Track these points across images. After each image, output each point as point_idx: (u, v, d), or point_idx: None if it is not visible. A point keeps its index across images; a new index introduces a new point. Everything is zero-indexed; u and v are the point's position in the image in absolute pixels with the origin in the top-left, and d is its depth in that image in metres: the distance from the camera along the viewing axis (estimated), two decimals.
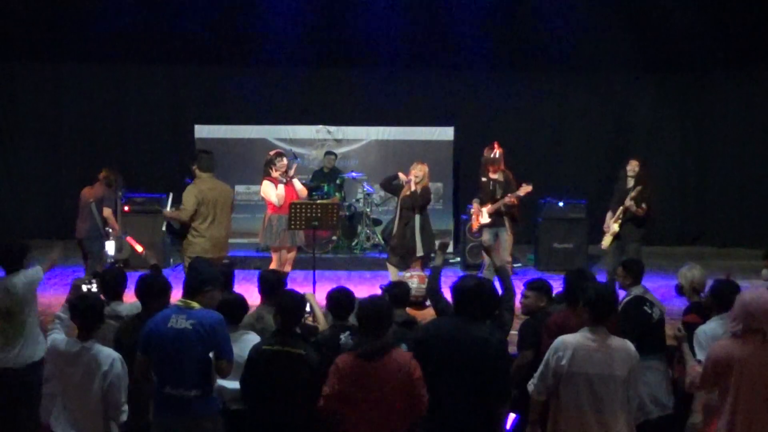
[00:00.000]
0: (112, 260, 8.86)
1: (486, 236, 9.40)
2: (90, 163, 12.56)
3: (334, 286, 5.57)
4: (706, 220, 14.18)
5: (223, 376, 4.65)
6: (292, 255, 9.06)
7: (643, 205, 9.11)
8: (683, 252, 11.94)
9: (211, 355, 4.49)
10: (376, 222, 12.15)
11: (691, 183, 14.31)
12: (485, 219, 9.33)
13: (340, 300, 5.33)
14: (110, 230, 9.09)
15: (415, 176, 9.01)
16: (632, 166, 9.38)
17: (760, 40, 12.83)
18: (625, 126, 14.45)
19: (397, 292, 5.77)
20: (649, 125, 14.40)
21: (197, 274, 4.76)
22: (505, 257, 9.19)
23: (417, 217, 9.00)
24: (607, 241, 9.28)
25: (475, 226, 9.66)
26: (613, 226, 9.21)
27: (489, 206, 9.30)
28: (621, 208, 9.18)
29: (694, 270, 6.07)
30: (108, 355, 4.68)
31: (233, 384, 4.92)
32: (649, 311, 5.74)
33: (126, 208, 11.24)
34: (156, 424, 4.54)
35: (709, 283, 5.71)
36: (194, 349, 4.44)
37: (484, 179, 9.43)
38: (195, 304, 4.57)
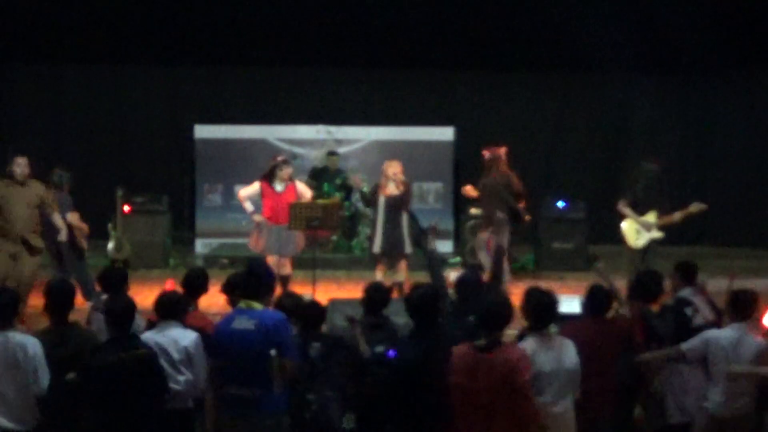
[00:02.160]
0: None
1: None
2: (90, 164, 12.60)
3: (335, 286, 5.60)
4: (706, 220, 14.15)
5: (288, 376, 4.67)
6: (285, 259, 9.01)
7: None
8: (683, 252, 11.90)
9: (273, 353, 4.52)
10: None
11: (691, 183, 14.30)
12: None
13: (312, 314, 5.34)
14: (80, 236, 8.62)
15: (395, 174, 8.95)
16: (656, 169, 9.05)
17: (760, 41, 12.83)
18: (625, 126, 14.46)
19: (377, 297, 5.62)
20: (649, 125, 14.40)
21: (261, 276, 4.78)
22: None
23: (404, 216, 8.99)
24: (642, 241, 8.88)
25: None
26: (654, 232, 8.84)
27: None
28: (668, 220, 8.82)
29: None
30: (29, 339, 4.84)
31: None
32: (690, 314, 5.51)
33: (126, 209, 11.25)
34: (222, 423, 4.67)
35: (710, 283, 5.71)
36: (257, 347, 4.50)
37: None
38: (257, 305, 4.64)
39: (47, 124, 14.15)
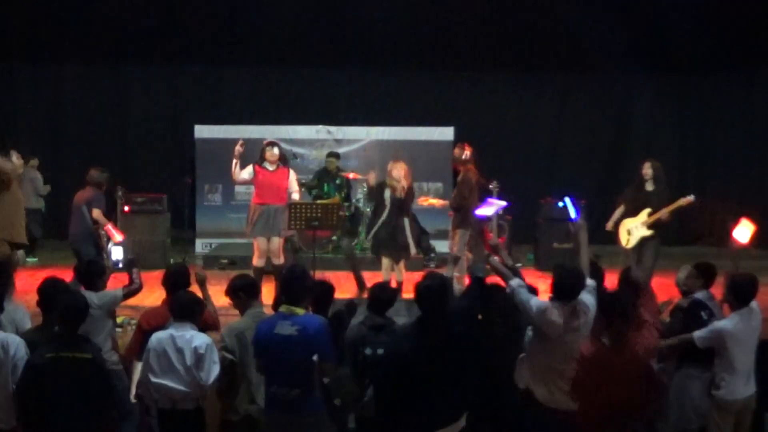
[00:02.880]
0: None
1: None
2: (90, 164, 12.55)
3: (335, 286, 5.61)
4: (706, 220, 14.17)
5: (328, 377, 4.85)
6: (275, 246, 8.91)
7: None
8: (683, 252, 11.91)
9: (314, 357, 4.70)
10: None
11: (691, 183, 14.30)
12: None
13: (318, 293, 5.43)
14: (103, 233, 8.85)
15: (399, 180, 8.90)
16: (646, 169, 9.13)
17: (760, 41, 12.83)
18: (625, 126, 14.47)
19: (382, 297, 5.61)
20: (649, 125, 14.41)
21: (301, 281, 4.91)
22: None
23: (405, 219, 9.00)
24: (632, 241, 9.05)
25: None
26: (642, 230, 8.98)
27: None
28: (654, 216, 8.90)
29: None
30: (13, 338, 4.90)
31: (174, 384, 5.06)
32: (705, 318, 5.51)
33: (126, 208, 11.24)
34: (266, 419, 4.85)
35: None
36: (299, 353, 4.67)
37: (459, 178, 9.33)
38: (299, 310, 4.77)
39: (47, 124, 14.15)
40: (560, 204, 6.04)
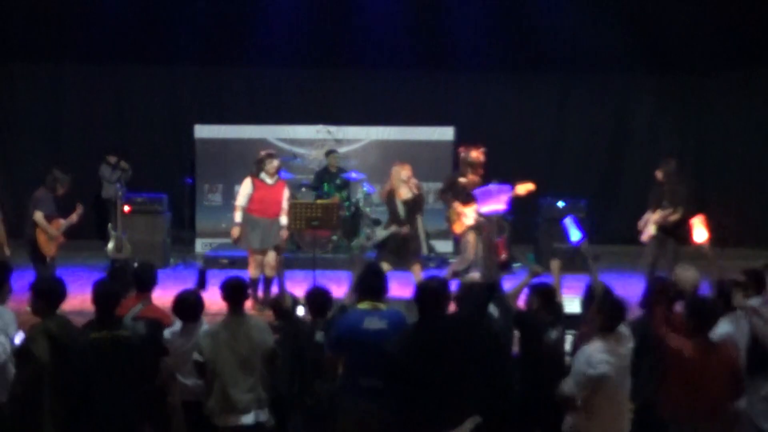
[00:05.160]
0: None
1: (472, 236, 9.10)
2: (90, 164, 12.59)
3: (335, 286, 5.65)
4: (706, 220, 14.15)
5: None
6: (271, 258, 8.73)
7: (672, 213, 9.06)
8: (683, 252, 11.91)
9: None
10: (376, 222, 12.12)
11: (691, 183, 14.31)
12: (471, 220, 9.04)
13: (317, 299, 5.53)
14: (52, 233, 8.42)
15: (408, 178, 8.83)
16: (658, 173, 9.31)
17: (759, 41, 12.83)
18: (625, 126, 14.46)
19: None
20: (649, 125, 14.41)
21: (382, 277, 5.13)
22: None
23: (419, 219, 8.95)
24: (645, 237, 9.30)
25: (460, 228, 9.15)
26: (650, 227, 9.20)
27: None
28: (657, 215, 9.15)
29: (687, 271, 6.08)
30: None
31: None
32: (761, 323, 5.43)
33: (126, 208, 11.25)
34: (347, 409, 4.95)
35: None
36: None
37: (464, 180, 9.17)
38: (382, 306, 4.97)
39: (47, 124, 14.15)
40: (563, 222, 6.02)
